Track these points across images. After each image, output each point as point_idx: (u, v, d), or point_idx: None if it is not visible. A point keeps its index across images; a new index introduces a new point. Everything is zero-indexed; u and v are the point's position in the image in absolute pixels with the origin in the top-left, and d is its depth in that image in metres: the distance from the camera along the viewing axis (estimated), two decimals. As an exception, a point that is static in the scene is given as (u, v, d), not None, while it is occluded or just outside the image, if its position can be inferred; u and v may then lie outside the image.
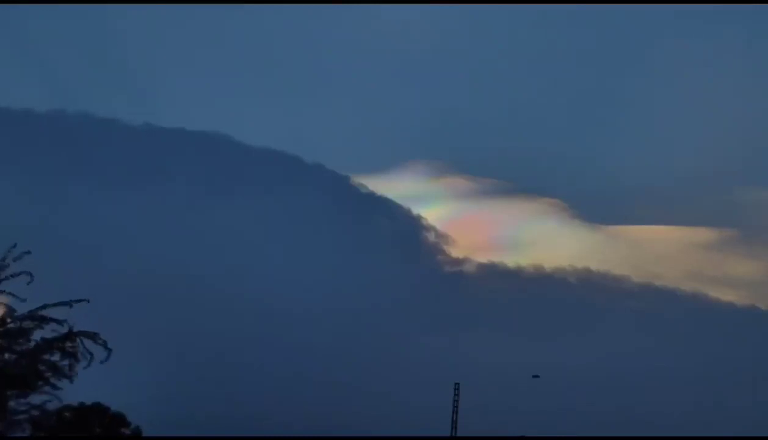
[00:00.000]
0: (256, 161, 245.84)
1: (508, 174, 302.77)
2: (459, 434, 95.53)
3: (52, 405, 27.25)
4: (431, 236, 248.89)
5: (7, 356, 25.85)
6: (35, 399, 26.80)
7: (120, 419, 52.10)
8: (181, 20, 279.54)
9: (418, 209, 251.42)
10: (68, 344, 26.13)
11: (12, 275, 25.66)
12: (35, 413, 27.03)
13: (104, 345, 26.36)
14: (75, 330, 26.35)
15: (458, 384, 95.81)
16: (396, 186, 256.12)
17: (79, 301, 26.18)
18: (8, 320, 25.87)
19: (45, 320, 25.91)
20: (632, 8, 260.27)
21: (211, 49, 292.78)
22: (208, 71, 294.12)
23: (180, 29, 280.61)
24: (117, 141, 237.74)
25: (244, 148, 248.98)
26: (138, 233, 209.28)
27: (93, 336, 26.30)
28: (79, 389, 27.45)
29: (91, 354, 26.29)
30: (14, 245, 25.70)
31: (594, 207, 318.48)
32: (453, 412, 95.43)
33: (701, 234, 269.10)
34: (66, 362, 26.41)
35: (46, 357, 26.19)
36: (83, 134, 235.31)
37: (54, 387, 26.41)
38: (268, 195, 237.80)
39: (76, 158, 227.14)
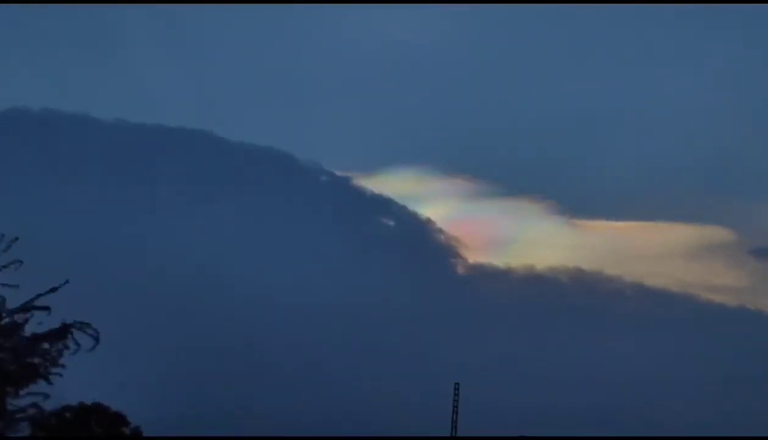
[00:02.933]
0: (251, 160, 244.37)
1: (505, 175, 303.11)
2: (459, 434, 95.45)
3: (52, 405, 27.16)
4: (433, 237, 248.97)
5: (1, 354, 25.76)
6: (34, 397, 26.71)
7: (120, 419, 52.00)
8: (157, 14, 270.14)
9: (415, 209, 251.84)
10: (60, 334, 26.08)
11: (4, 266, 25.60)
12: (34, 411, 26.94)
13: (95, 337, 26.27)
14: (67, 322, 26.27)
15: (458, 384, 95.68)
16: (391, 186, 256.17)
17: (63, 284, 26.16)
18: (2, 314, 25.80)
19: (35, 308, 25.82)
20: (624, 12, 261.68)
21: (194, 45, 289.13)
22: (193, 68, 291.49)
23: (156, 22, 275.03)
24: (87, 138, 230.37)
25: (239, 146, 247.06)
26: (131, 234, 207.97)
27: (86, 327, 26.24)
28: (79, 388, 27.41)
29: (78, 343, 26.25)
30: (2, 236, 25.63)
31: (591, 207, 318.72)
32: (453, 412, 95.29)
33: (693, 232, 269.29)
34: (57, 349, 26.34)
35: (39, 348, 26.12)
36: (48, 130, 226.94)
37: (48, 380, 26.33)
38: (268, 195, 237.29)
39: (39, 156, 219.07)
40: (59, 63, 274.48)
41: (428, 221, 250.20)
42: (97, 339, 26.20)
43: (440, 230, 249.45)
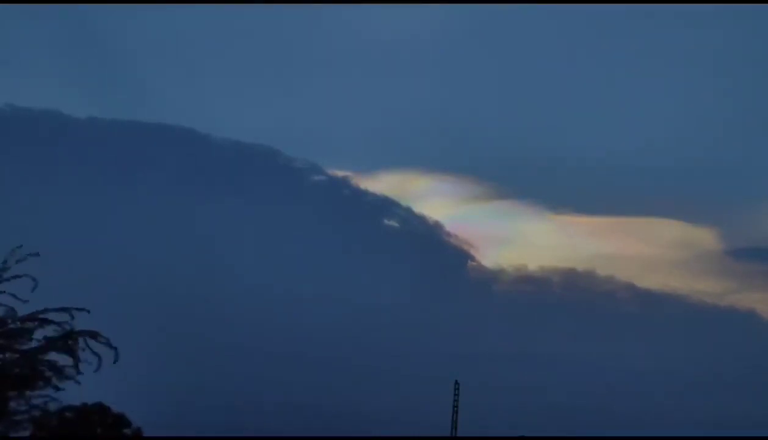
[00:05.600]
0: (239, 158, 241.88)
1: (499, 175, 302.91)
2: (459, 434, 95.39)
3: (54, 406, 27.19)
4: (434, 236, 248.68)
5: (8, 355, 25.79)
6: (36, 399, 26.73)
7: (121, 419, 52.00)
8: (132, 9, 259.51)
9: (414, 209, 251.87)
10: (69, 342, 26.08)
11: (15, 277, 25.67)
12: (36, 413, 26.97)
13: (108, 343, 26.27)
14: (75, 329, 26.27)
15: (458, 383, 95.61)
16: (387, 187, 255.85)
17: (80, 310, 26.17)
18: (9, 320, 25.83)
19: (46, 322, 25.88)
20: (617, 12, 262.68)
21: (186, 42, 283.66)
22: (191, 66, 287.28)
23: (130, 16, 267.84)
24: (59, 136, 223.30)
25: (224, 143, 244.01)
26: (119, 235, 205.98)
27: (95, 336, 26.20)
28: (81, 389, 27.39)
29: (98, 355, 26.28)
30: (20, 246, 25.73)
31: (582, 203, 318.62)
32: (453, 412, 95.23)
33: (682, 231, 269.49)
34: (68, 361, 26.37)
35: (47, 356, 26.14)
36: (15, 127, 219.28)
37: (55, 387, 26.34)
38: (261, 195, 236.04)
39: (6, 155, 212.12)
40: (25, 59, 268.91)
41: (436, 223, 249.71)
42: (114, 349, 26.15)
43: (447, 233, 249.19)
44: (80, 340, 26.23)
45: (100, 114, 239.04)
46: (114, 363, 26.27)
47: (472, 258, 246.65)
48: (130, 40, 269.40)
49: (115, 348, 26.36)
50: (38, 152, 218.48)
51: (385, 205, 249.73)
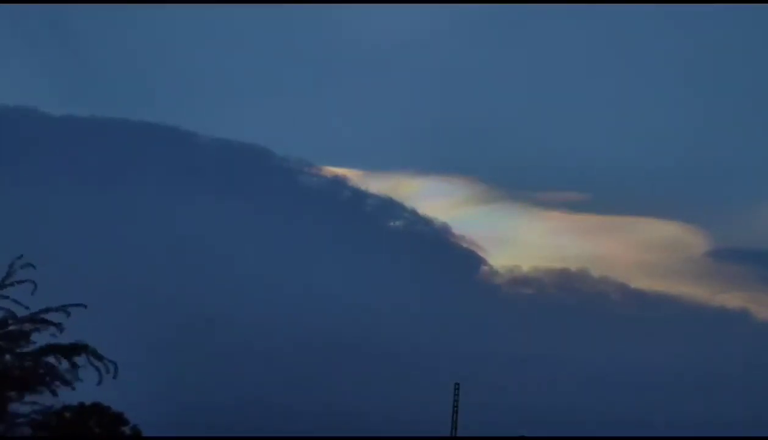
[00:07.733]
0: (230, 157, 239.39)
1: (497, 175, 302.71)
2: (459, 434, 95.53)
3: (52, 406, 27.25)
4: (437, 238, 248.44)
5: (7, 357, 25.86)
6: (36, 400, 26.80)
7: (119, 418, 52.15)
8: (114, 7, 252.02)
9: (418, 208, 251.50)
10: (69, 354, 26.17)
11: (17, 282, 25.76)
12: (35, 414, 27.03)
13: (106, 368, 26.28)
14: (80, 342, 26.32)
15: (458, 384, 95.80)
16: (383, 187, 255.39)
17: (77, 305, 26.15)
18: (9, 322, 25.88)
19: (45, 322, 25.93)
20: (611, 12, 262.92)
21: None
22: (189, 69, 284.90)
23: (110, 13, 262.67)
24: (33, 134, 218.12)
25: (213, 142, 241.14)
26: (126, 233, 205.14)
27: (100, 358, 26.21)
28: (79, 389, 27.45)
29: (98, 369, 26.30)
30: (20, 256, 25.82)
31: (595, 204, 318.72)
32: (453, 412, 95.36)
33: (673, 230, 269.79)
34: (67, 368, 26.44)
35: (48, 360, 26.20)
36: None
37: (54, 392, 26.41)
38: (257, 195, 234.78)
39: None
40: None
41: (443, 225, 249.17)
42: (113, 364, 26.18)
43: (452, 234, 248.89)
44: (84, 356, 26.32)
45: (77, 112, 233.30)
46: (113, 378, 26.38)
47: (475, 260, 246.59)
48: (111, 38, 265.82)
49: (114, 363, 26.45)
50: (14, 150, 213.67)
51: (387, 206, 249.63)
